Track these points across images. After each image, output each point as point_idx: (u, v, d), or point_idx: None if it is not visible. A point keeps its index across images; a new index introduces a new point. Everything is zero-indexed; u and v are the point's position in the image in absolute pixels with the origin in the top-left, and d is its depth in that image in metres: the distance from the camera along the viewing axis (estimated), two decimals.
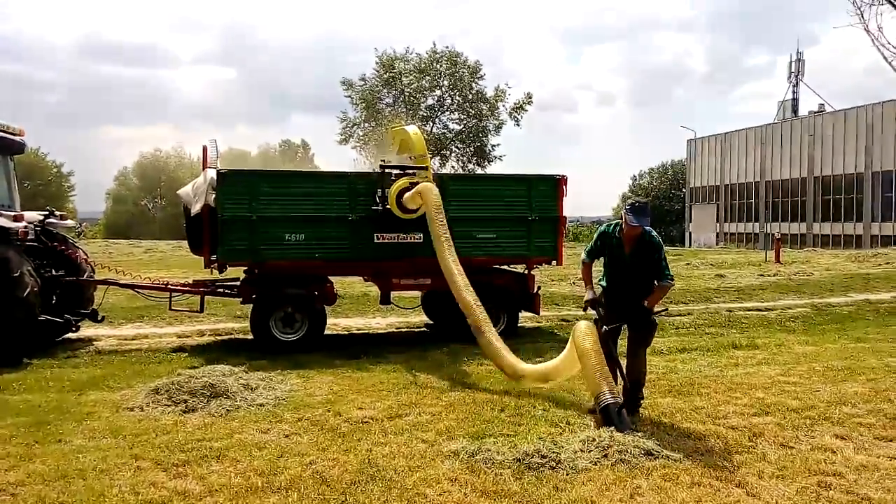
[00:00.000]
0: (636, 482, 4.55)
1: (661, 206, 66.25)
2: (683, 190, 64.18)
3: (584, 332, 5.91)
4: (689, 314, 12.62)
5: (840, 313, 12.80)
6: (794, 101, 55.50)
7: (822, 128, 48.70)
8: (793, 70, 55.35)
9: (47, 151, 58.92)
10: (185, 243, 12.16)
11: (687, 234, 60.41)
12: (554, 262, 10.31)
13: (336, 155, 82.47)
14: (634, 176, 72.56)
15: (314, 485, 4.45)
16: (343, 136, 48.46)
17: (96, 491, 4.32)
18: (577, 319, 11.91)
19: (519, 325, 10.39)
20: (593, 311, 6.20)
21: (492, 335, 7.47)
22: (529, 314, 10.69)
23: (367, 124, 48.63)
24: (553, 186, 10.01)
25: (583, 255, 6.37)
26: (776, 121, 54.90)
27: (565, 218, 10.17)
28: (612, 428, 5.27)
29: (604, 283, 6.24)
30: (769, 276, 19.99)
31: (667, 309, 6.31)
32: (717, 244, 53.61)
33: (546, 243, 10.03)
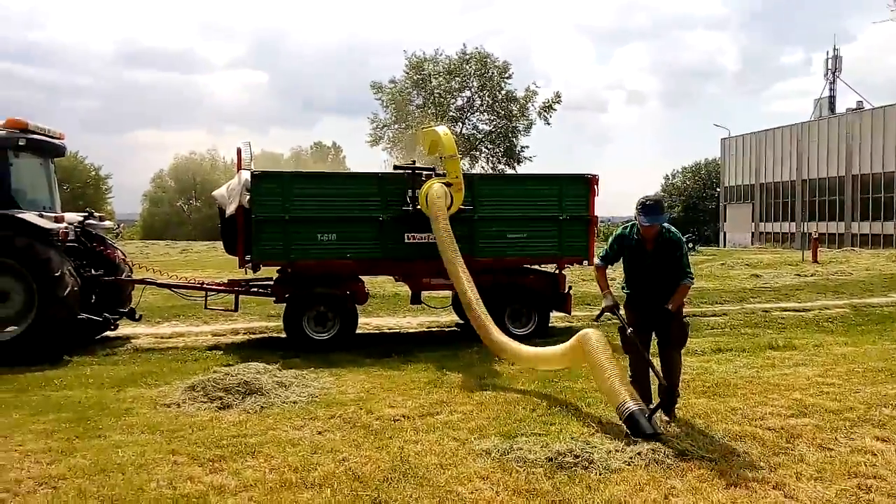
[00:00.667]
0: (670, 483, 4.49)
1: (694, 206, 65.42)
2: (717, 189, 63.22)
3: (596, 344, 5.75)
4: (724, 314, 12.44)
5: (880, 314, 12.49)
6: (831, 98, 54.35)
7: (861, 125, 47.58)
8: (829, 67, 54.21)
9: (85, 155, 60.29)
10: (219, 244, 12.36)
11: (721, 234, 59.51)
12: (585, 262, 10.24)
13: (366, 157, 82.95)
14: (667, 175, 71.73)
15: (347, 481, 4.49)
16: (373, 138, 48.83)
17: (135, 485, 4.41)
18: (609, 320, 11.85)
19: (550, 324, 10.33)
20: (614, 317, 5.91)
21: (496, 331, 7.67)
22: (561, 314, 10.64)
23: (396, 126, 48.89)
24: (584, 186, 9.95)
25: (596, 260, 6.17)
26: (813, 118, 53.80)
27: (597, 217, 10.11)
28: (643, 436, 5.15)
29: (627, 290, 5.98)
30: (806, 276, 19.61)
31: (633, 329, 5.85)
32: (752, 244, 52.71)
33: (577, 243, 9.97)
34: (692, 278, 5.74)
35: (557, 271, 10.19)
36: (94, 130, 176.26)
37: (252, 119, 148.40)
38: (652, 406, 5.64)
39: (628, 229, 5.85)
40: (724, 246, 52.92)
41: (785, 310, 13.14)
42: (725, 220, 59.74)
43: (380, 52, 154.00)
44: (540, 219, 9.90)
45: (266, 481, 4.49)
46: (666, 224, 5.68)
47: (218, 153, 68.57)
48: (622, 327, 5.85)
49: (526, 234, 9.85)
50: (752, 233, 56.42)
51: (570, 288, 10.18)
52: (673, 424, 5.61)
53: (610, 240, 6.00)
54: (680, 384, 6.07)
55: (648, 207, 5.56)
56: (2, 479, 4.55)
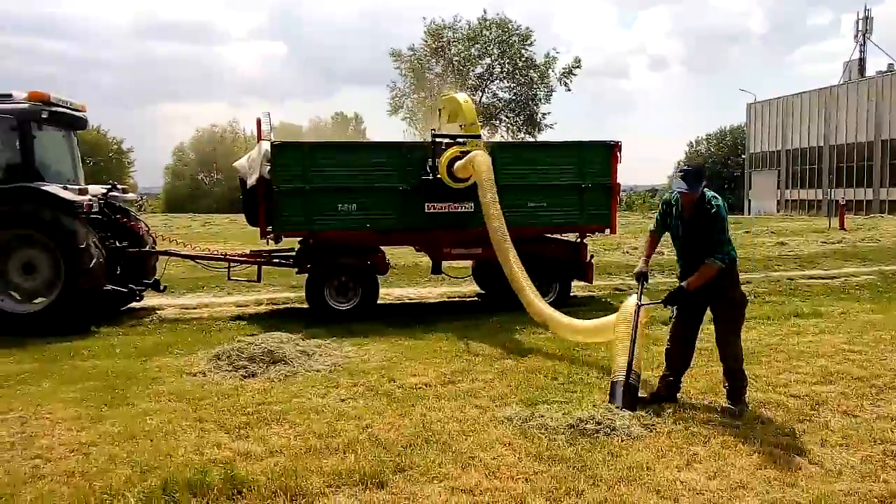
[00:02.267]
0: (693, 449, 4.48)
1: (719, 173, 64.51)
2: (742, 156, 62.22)
3: (623, 308, 5.68)
4: (748, 283, 12.28)
5: None
6: (861, 60, 52.96)
7: (892, 88, 46.33)
8: (859, 28, 52.70)
9: (108, 129, 60.75)
10: (241, 216, 12.41)
11: (746, 202, 58.70)
12: (608, 231, 10.15)
13: (386, 126, 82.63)
14: (691, 142, 70.79)
15: (370, 447, 4.54)
16: (393, 107, 48.52)
17: (163, 451, 4.49)
18: (631, 289, 11.79)
19: (571, 294, 10.30)
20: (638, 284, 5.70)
21: (542, 305, 7.44)
22: (582, 283, 10.59)
23: (416, 95, 48.52)
24: (607, 153, 9.81)
25: (650, 224, 5.85)
26: (842, 82, 52.49)
27: (619, 185, 9.98)
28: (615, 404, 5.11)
29: (679, 261, 5.51)
30: (833, 243, 19.32)
31: (664, 302, 5.45)
32: (777, 211, 51.95)
33: (600, 211, 9.86)
34: (722, 259, 5.07)
35: (579, 240, 10.11)
36: (116, 104, 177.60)
37: (271, 90, 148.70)
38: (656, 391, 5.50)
39: (674, 195, 5.42)
40: (750, 214, 52.19)
41: (811, 278, 12.96)
42: (751, 188, 58.89)
43: (399, 20, 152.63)
44: (561, 187, 9.79)
45: (291, 447, 4.55)
46: (711, 193, 5.22)
47: (238, 125, 68.72)
48: (640, 294, 5.63)
49: (547, 202, 9.75)
50: (778, 200, 55.62)
51: (591, 257, 10.10)
52: (742, 418, 5.06)
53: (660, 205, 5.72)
54: (732, 366, 5.33)
55: (686, 174, 5.17)
56: (35, 446, 4.66)
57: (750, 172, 59.34)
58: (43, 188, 8.56)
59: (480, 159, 8.48)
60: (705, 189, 5.22)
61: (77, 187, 9.27)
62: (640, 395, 5.36)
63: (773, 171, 56.78)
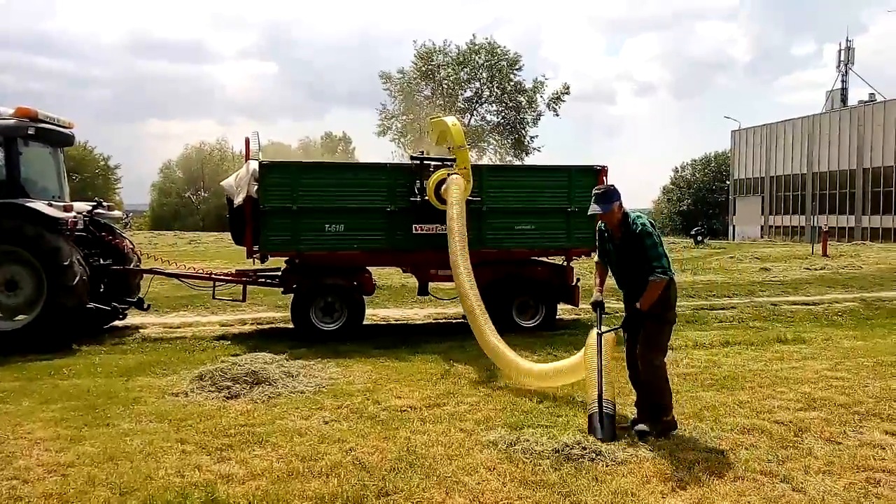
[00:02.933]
0: (678, 475, 4.48)
1: (704, 199, 65.07)
2: (727, 182, 62.88)
3: (591, 342, 5.59)
4: (732, 308, 12.39)
5: (890, 308, 12.40)
6: (843, 90, 53.88)
7: (873, 118, 47.16)
8: (842, 59, 53.68)
9: (95, 145, 60.51)
10: (227, 235, 12.36)
11: (731, 227, 59.23)
12: (594, 254, 10.16)
13: (376, 148, 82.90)
14: (676, 168, 71.27)
15: (354, 471, 4.49)
16: (381, 129, 48.74)
17: (143, 473, 4.42)
18: (616, 312, 11.82)
19: (557, 317, 10.31)
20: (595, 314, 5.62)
21: (493, 335, 7.21)
22: (569, 306, 10.62)
23: (404, 117, 48.78)
24: (594, 177, 9.88)
25: (594, 256, 5.87)
26: (824, 111, 53.36)
27: None
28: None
29: (622, 287, 5.56)
30: (816, 269, 19.49)
31: (619, 328, 5.51)
32: (761, 237, 52.44)
33: (586, 235, 9.88)
34: (663, 274, 5.07)
35: (566, 263, 10.15)
36: (106, 120, 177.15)
37: (261, 110, 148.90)
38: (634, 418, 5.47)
39: (602, 223, 5.46)
40: (734, 239, 52.64)
41: (794, 303, 13.06)
42: (735, 213, 59.45)
43: (389, 42, 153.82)
44: (548, 210, 9.87)
45: (273, 470, 4.50)
46: (635, 214, 5.28)
47: (227, 143, 68.68)
48: (598, 324, 5.57)
49: (534, 225, 9.81)
50: (762, 226, 56.13)
51: (578, 280, 10.13)
52: (666, 440, 5.06)
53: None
54: (651, 383, 5.27)
55: (596, 196, 5.23)
56: (12, 466, 4.58)
57: (734, 198, 59.95)
58: (27, 204, 8.50)
59: (451, 180, 8.59)
60: (628, 211, 5.27)
61: (62, 204, 9.20)
62: (621, 425, 5.34)
63: (758, 197, 57.40)
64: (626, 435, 5.18)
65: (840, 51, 54.05)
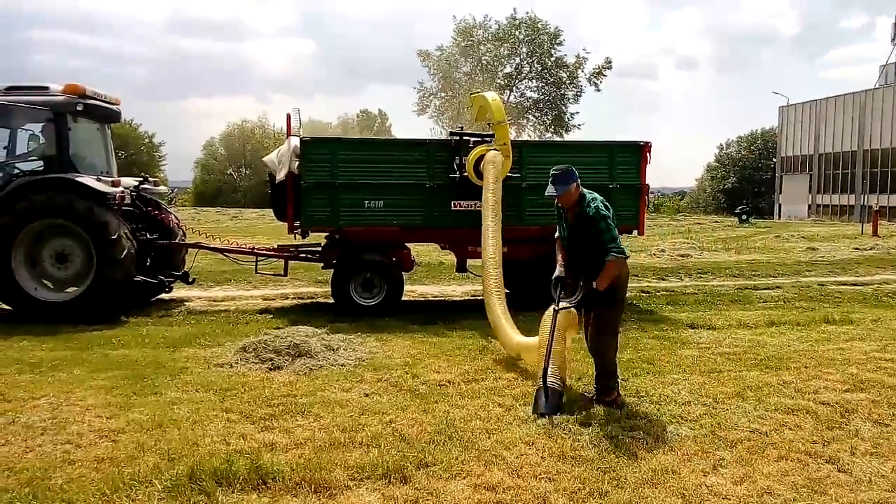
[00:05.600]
0: (719, 454, 4.43)
1: (749, 177, 63.50)
2: (774, 160, 61.23)
3: (545, 316, 5.50)
4: (778, 287, 12.13)
5: None
6: None
7: None
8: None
9: (140, 122, 61.59)
10: (268, 211, 12.51)
11: (777, 206, 57.76)
12: (635, 232, 10.06)
13: (413, 125, 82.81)
14: (721, 145, 69.53)
15: (394, 442, 4.55)
16: (420, 106, 48.65)
17: (190, 440, 4.55)
18: (658, 291, 11.69)
19: None
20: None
21: (502, 314, 7.21)
22: None
23: (443, 94, 48.58)
24: (636, 154, 9.72)
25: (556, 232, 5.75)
26: (877, 86, 51.37)
27: (648, 186, 9.88)
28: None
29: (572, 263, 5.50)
30: (865, 249, 18.95)
31: (573, 307, 5.39)
32: (808, 217, 51.08)
33: (627, 212, 9.76)
34: (618, 254, 5.05)
35: None
36: (148, 98, 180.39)
37: (299, 87, 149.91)
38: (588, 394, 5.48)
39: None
40: (780, 218, 51.36)
41: (842, 284, 12.74)
42: (781, 192, 57.94)
43: (425, 18, 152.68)
44: (588, 187, 9.69)
45: (315, 440, 4.58)
46: (590, 196, 5.28)
47: (268, 120, 69.28)
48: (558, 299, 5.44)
49: None
50: (809, 205, 54.61)
51: None
52: (616, 412, 5.09)
53: None
54: (601, 364, 5.40)
55: (553, 177, 5.23)
56: (65, 431, 4.75)
57: (781, 176, 58.39)
58: (77, 179, 8.71)
59: (489, 156, 8.54)
60: (585, 191, 5.29)
61: (110, 179, 9.42)
62: (587, 395, 5.40)
63: (805, 175, 55.79)
64: (588, 407, 5.19)
65: (895, 23, 51.87)
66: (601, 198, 5.33)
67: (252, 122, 69.35)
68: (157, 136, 64.35)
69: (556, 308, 5.41)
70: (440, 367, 6.56)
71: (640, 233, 10.08)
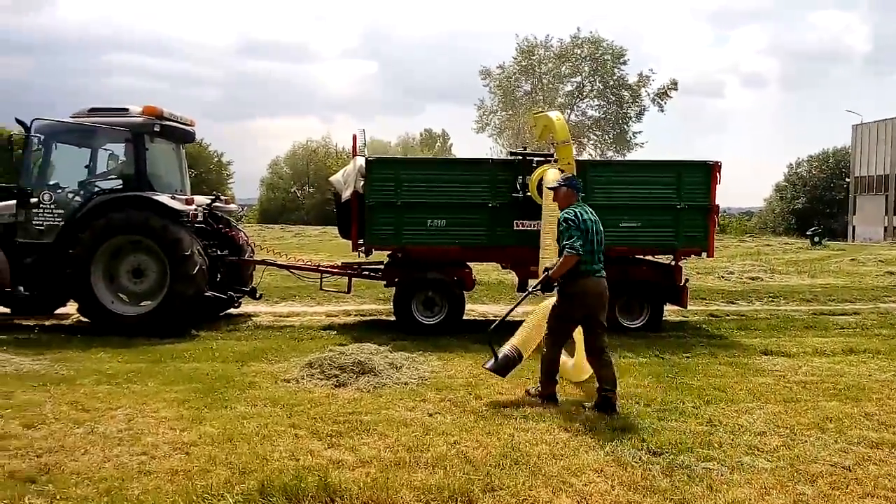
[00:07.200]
0: (799, 488, 4.23)
1: (820, 197, 61.22)
2: (846, 179, 58.91)
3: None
4: (855, 314, 11.60)
5: None
6: None
7: None
8: None
9: (209, 142, 63.71)
10: (330, 228, 12.72)
11: (850, 228, 55.50)
12: (704, 254, 9.80)
13: (473, 144, 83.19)
14: (791, 164, 67.29)
15: (459, 464, 4.51)
16: (480, 125, 48.85)
17: (260, 455, 4.62)
18: (727, 315, 11.34)
19: (664, 318, 9.98)
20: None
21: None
22: (676, 308, 10.26)
23: (503, 112, 48.67)
24: (705, 174, 9.48)
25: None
26: None
27: (718, 206, 9.62)
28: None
29: None
30: None
31: (540, 289, 6.05)
32: (885, 239, 48.82)
33: (696, 233, 9.54)
34: (570, 250, 5.63)
35: (673, 262, 9.79)
36: (217, 118, 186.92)
37: (360, 107, 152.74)
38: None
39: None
40: (854, 241, 49.25)
41: None
42: (855, 213, 55.66)
43: (487, 38, 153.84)
44: (655, 207, 9.54)
45: (381, 458, 4.59)
46: (575, 208, 5.89)
47: (331, 140, 70.73)
48: None
49: (640, 222, 9.52)
50: (885, 227, 52.25)
51: (686, 280, 9.76)
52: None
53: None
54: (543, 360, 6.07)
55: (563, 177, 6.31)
56: (141, 442, 4.89)
57: (855, 197, 56.13)
58: (153, 197, 9.05)
59: (551, 175, 8.40)
60: (578, 204, 5.95)
61: (184, 197, 9.75)
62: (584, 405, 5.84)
63: (881, 196, 53.48)
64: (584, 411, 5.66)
65: None
66: (582, 212, 5.87)
67: (316, 142, 70.98)
68: (225, 155, 66.47)
69: (529, 290, 6.50)
70: (503, 388, 6.49)
71: (710, 255, 9.81)
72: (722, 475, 4.39)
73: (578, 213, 5.84)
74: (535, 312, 6.49)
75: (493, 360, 6.11)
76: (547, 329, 6.10)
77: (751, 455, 4.75)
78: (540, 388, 6.09)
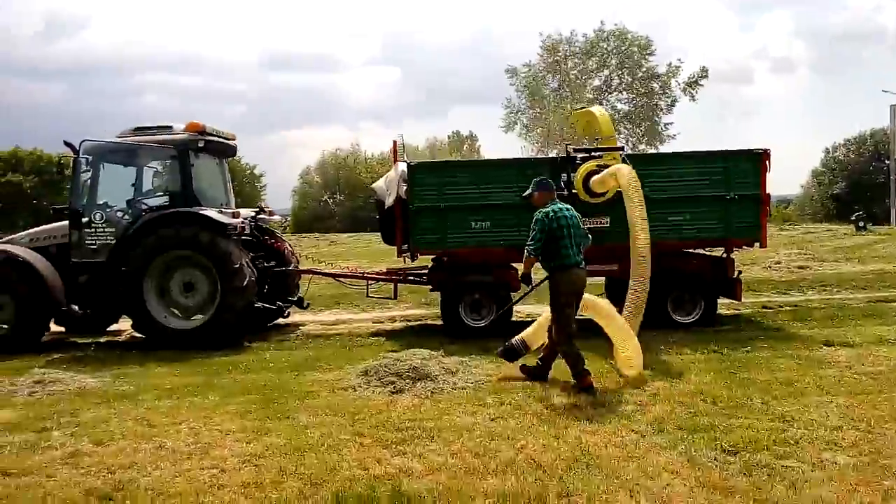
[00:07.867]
0: (887, 483, 4.08)
1: (859, 181, 59.65)
2: (887, 162, 57.29)
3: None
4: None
5: None
6: None
7: None
8: None
9: (242, 155, 64.57)
10: (363, 235, 12.74)
11: (892, 212, 53.93)
12: (757, 245, 9.58)
13: (500, 143, 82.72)
14: (827, 149, 65.63)
15: (529, 469, 4.45)
16: (507, 124, 48.58)
17: (328, 465, 4.62)
18: (780, 306, 11.06)
19: (718, 311, 9.76)
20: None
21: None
22: (729, 300, 10.03)
23: (531, 111, 48.37)
24: (754, 162, 9.26)
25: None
26: None
27: (769, 196, 9.39)
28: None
29: None
30: None
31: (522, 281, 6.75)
32: None
33: (747, 224, 9.32)
34: (528, 249, 6.39)
35: (725, 255, 9.59)
36: (247, 131, 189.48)
37: (386, 113, 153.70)
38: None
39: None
40: (895, 224, 47.86)
41: None
42: None
43: (509, 39, 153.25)
44: (704, 199, 9.35)
45: (449, 465, 4.55)
46: (551, 206, 6.36)
47: (359, 148, 71.10)
48: None
49: (689, 215, 9.33)
50: None
51: (739, 272, 9.54)
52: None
53: None
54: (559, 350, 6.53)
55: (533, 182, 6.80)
56: (209, 456, 4.92)
57: (895, 179, 54.52)
58: (201, 212, 9.15)
59: (625, 171, 8.17)
60: (556, 203, 6.41)
61: (230, 211, 9.85)
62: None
63: None
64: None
65: None
66: (555, 210, 6.33)
67: (344, 150, 71.41)
68: (258, 167, 67.28)
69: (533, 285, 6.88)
70: (562, 389, 6.40)
71: (763, 245, 9.59)
72: (803, 472, 4.26)
73: (551, 213, 6.28)
74: (543, 314, 7.09)
75: (502, 348, 7.18)
76: (555, 326, 6.47)
77: (829, 451, 4.62)
78: (575, 382, 6.38)
